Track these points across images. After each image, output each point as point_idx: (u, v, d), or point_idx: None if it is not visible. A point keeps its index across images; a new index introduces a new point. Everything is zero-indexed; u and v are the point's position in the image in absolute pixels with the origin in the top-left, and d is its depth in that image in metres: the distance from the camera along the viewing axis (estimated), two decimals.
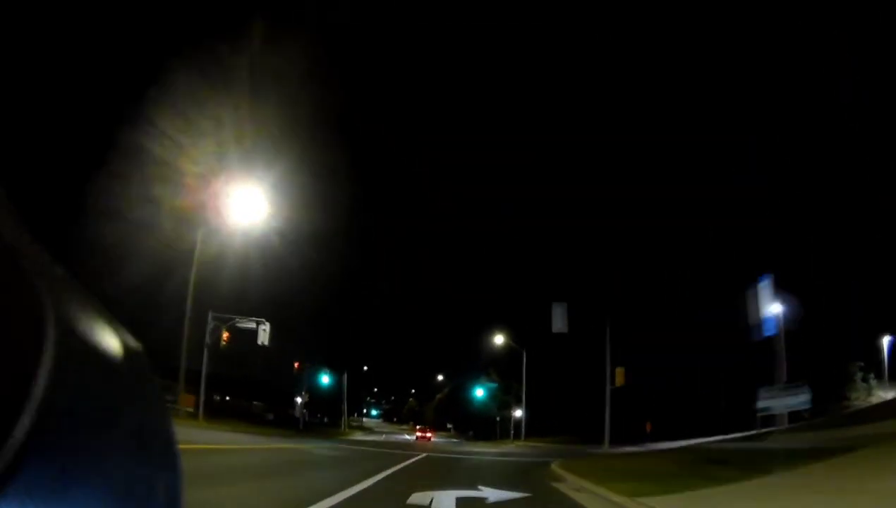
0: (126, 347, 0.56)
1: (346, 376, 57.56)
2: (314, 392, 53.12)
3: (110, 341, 0.54)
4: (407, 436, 58.73)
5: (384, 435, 56.50)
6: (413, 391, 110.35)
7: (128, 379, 0.57)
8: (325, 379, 44.70)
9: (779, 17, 37.00)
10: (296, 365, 40.60)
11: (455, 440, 58.19)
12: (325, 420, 63.58)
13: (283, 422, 42.04)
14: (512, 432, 46.82)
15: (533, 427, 44.56)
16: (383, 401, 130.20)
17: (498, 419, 53.50)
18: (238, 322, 25.20)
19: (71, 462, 0.43)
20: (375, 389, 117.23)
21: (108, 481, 0.48)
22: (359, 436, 47.46)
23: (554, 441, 38.32)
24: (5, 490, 0.37)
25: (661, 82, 49.47)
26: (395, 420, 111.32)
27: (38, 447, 0.39)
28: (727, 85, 41.31)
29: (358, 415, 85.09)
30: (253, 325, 25.38)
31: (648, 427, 31.85)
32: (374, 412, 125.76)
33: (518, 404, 46.09)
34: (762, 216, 34.78)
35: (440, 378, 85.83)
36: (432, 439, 51.50)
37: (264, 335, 25.13)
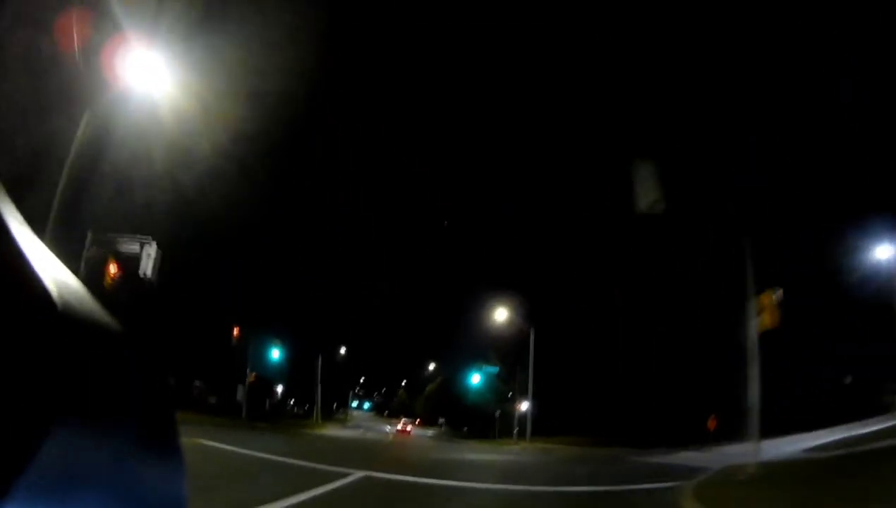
0: (130, 342, 0.54)
1: (320, 360, 49.20)
2: (293, 376, 45.53)
3: (115, 337, 0.52)
4: (388, 428, 54.14)
5: (361, 430, 49.32)
6: (404, 382, 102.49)
7: (132, 376, 0.55)
8: (275, 354, 35.94)
9: (779, 17, 35.20)
10: (235, 331, 31.88)
11: (441, 436, 50.81)
12: (296, 409, 55.88)
13: (229, 409, 33.75)
14: (516, 430, 37.90)
15: (539, 424, 35.71)
16: (375, 393, 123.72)
17: (497, 414, 44.89)
18: (119, 244, 16.47)
19: (75, 462, 0.42)
20: (362, 379, 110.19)
21: (112, 480, 0.46)
22: (327, 430, 39.87)
23: (573, 443, 29.68)
24: (10, 491, 0.36)
25: (661, 82, 45.73)
26: (385, 413, 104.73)
27: (42, 447, 0.38)
28: (727, 85, 38.07)
29: (342, 407, 76.72)
30: (136, 248, 16.68)
31: (713, 424, 23.02)
32: (366, 404, 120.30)
33: (524, 395, 37.38)
34: (762, 216, 31.47)
35: (431, 367, 77.13)
36: (412, 433, 48.16)
37: (149, 261, 16.39)
